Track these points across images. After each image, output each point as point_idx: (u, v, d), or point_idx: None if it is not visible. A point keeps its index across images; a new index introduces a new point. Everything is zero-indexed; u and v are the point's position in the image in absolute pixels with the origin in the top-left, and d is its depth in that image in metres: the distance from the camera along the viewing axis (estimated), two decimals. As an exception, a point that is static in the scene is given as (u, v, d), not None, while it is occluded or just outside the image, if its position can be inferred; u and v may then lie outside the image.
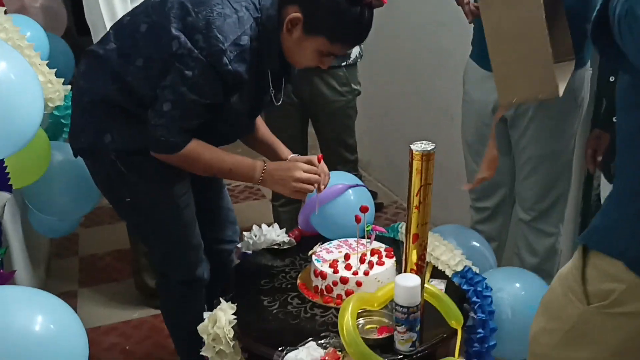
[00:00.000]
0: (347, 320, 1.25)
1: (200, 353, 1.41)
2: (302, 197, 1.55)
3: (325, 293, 1.50)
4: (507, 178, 2.01)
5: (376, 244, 1.61)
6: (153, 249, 1.68)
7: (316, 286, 1.52)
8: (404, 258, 1.33)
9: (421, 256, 1.31)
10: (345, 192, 1.72)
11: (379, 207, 3.23)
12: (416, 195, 1.27)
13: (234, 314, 1.42)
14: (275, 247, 1.74)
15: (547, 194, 1.92)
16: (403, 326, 1.27)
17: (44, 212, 1.96)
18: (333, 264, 1.51)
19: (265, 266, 1.67)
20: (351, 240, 1.63)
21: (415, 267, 1.32)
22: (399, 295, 1.26)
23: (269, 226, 1.76)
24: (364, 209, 1.53)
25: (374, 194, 2.81)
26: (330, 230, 1.72)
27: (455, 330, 1.35)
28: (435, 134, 2.49)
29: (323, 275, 1.49)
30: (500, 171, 1.84)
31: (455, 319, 1.34)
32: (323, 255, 1.56)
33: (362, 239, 1.58)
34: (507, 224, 2.14)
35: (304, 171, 1.51)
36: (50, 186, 1.86)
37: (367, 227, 1.64)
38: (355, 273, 1.47)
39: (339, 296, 1.48)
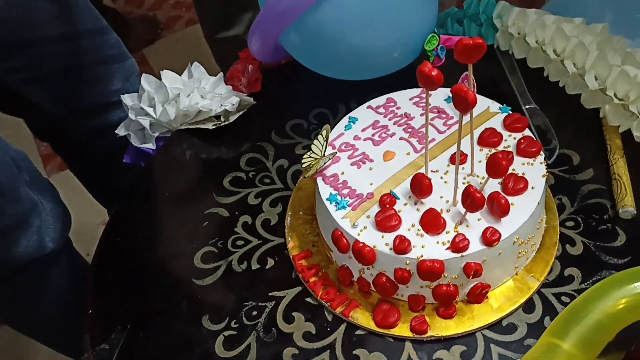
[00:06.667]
0: None
1: None
2: None
3: (372, 291, 0.55)
4: None
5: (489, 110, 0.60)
6: None
7: (345, 269, 0.56)
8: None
9: None
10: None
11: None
12: None
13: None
14: (210, 126, 0.72)
15: None
16: None
17: None
18: (385, 216, 0.53)
19: (189, 195, 0.67)
20: (410, 94, 0.62)
21: None
22: None
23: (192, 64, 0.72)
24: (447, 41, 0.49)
25: None
26: (335, 62, 0.69)
27: None
28: None
29: (366, 257, 0.52)
30: None
31: None
32: (348, 175, 0.57)
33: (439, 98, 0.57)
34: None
35: None
36: None
37: (430, 47, 0.64)
38: (459, 245, 0.50)
39: (418, 301, 0.53)
